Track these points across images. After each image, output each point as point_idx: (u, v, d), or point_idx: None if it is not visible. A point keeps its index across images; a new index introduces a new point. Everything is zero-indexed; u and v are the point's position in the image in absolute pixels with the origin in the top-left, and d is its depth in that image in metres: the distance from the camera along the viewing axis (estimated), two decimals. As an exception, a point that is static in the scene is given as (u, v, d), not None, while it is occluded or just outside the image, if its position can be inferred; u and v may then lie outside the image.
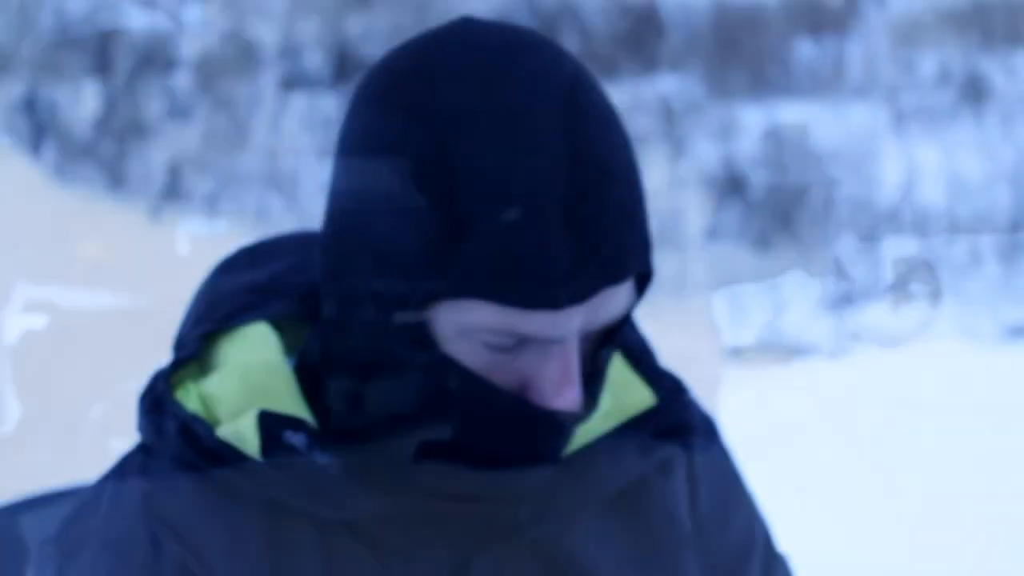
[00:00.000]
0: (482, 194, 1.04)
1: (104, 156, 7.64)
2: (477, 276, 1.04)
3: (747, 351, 5.23)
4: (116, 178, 7.40)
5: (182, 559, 1.14)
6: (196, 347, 1.19)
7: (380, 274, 1.08)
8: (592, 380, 1.14)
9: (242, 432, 1.14)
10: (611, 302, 1.08)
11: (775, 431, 4.49)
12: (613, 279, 1.06)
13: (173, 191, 7.13)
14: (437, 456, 1.13)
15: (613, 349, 1.13)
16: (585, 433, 1.21)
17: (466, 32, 1.09)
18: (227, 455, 1.14)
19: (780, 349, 5.23)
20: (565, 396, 1.09)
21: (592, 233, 1.05)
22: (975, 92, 7.71)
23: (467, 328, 1.07)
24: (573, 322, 1.07)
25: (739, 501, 1.32)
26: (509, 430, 1.10)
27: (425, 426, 1.12)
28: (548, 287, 1.04)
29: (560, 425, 1.11)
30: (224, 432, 1.14)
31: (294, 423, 1.14)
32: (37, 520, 1.55)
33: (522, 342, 1.08)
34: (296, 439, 1.14)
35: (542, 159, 1.04)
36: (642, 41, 8.78)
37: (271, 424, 1.13)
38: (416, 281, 1.06)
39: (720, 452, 1.33)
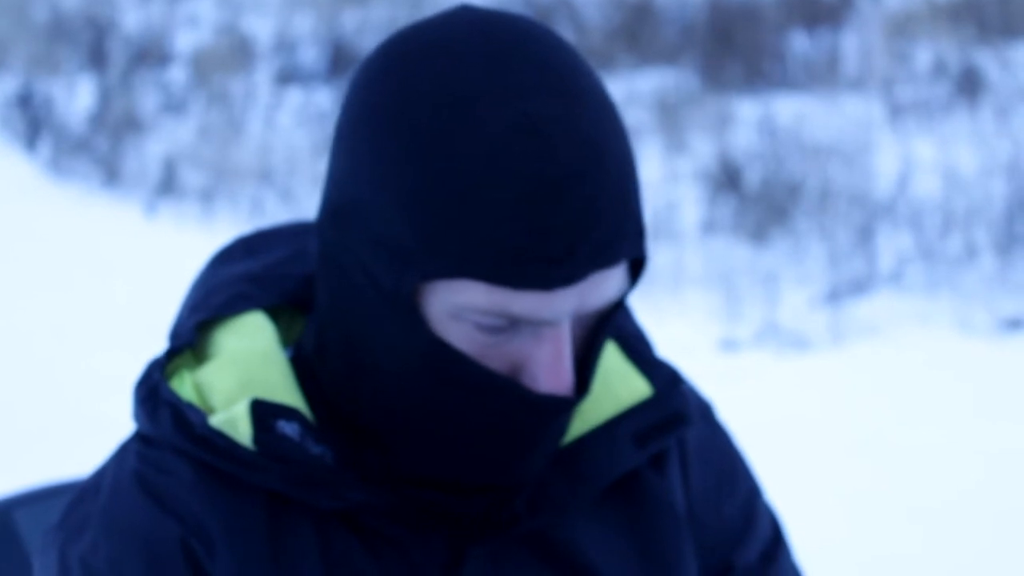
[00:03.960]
0: (476, 175, 1.04)
1: (99, 151, 7.64)
2: (469, 255, 1.04)
3: (743, 344, 5.23)
4: (111, 172, 7.40)
5: (183, 537, 1.14)
6: (191, 336, 1.19)
7: (374, 254, 1.08)
8: (584, 366, 1.14)
9: (234, 420, 1.13)
10: (603, 286, 1.08)
11: (771, 424, 4.49)
12: (605, 262, 1.07)
13: (168, 185, 7.13)
14: (431, 444, 1.13)
15: (606, 335, 1.13)
16: (581, 424, 1.21)
17: (463, 18, 1.10)
18: (219, 443, 1.14)
19: (776, 342, 5.23)
20: (556, 380, 1.09)
21: (585, 216, 1.05)
22: (970, 85, 7.71)
23: (459, 309, 1.07)
24: (564, 304, 1.07)
25: (735, 482, 1.32)
26: (501, 414, 1.10)
27: (419, 413, 1.12)
28: (540, 267, 1.04)
29: (551, 409, 1.11)
30: (217, 420, 1.14)
31: (287, 412, 1.14)
32: (32, 515, 1.54)
33: (514, 324, 1.08)
34: (289, 428, 1.14)
35: (537, 141, 1.05)
36: (637, 34, 8.78)
37: (263, 413, 1.13)
38: (409, 260, 1.06)
39: (717, 434, 1.32)
